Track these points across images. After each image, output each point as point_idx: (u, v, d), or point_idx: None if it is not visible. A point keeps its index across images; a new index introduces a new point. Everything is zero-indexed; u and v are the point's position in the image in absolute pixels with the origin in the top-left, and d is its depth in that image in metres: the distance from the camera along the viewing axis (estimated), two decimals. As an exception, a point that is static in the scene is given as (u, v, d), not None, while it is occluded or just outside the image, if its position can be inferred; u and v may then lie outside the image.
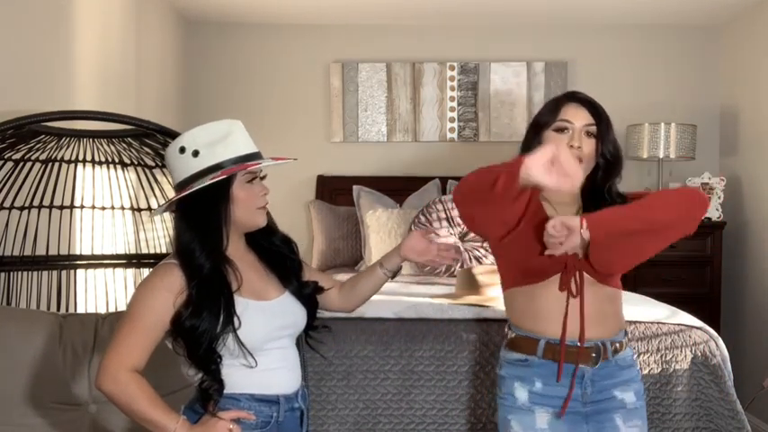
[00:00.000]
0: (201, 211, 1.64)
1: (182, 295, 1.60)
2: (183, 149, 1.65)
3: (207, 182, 1.60)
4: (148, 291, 1.62)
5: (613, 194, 1.91)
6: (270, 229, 1.79)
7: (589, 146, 1.86)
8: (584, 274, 1.81)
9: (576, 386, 1.81)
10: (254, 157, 1.69)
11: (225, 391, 1.62)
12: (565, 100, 1.92)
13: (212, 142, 1.65)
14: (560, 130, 1.87)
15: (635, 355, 1.97)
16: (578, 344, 1.79)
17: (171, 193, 2.76)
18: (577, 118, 1.87)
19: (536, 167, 1.57)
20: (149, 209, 2.80)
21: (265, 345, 1.66)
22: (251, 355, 1.61)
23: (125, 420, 2.20)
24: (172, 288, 1.60)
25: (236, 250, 1.72)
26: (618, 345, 1.86)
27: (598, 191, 1.90)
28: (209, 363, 1.60)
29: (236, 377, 1.63)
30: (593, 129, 1.87)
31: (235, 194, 1.65)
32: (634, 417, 1.86)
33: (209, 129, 1.68)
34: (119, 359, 1.56)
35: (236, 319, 1.60)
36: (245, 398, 1.64)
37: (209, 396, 1.60)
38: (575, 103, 1.90)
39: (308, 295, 1.82)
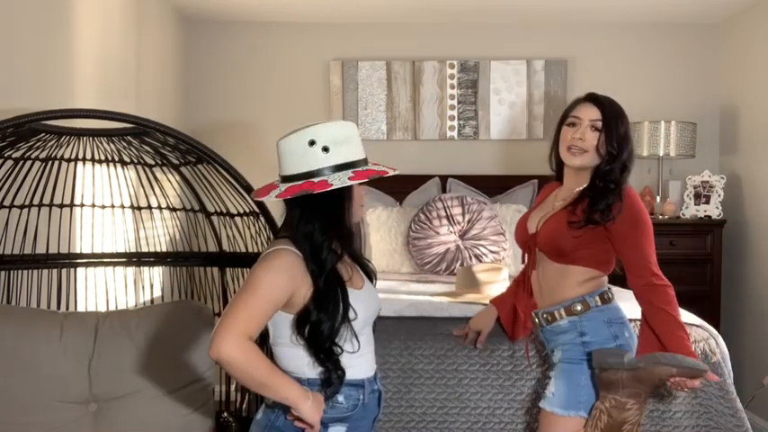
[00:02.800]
0: (331, 206, 1.71)
1: (301, 286, 1.68)
2: (312, 142, 1.68)
3: (345, 180, 1.66)
4: (272, 270, 1.67)
5: (604, 180, 2.13)
6: None
7: (593, 138, 2.13)
8: (538, 252, 2.21)
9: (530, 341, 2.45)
10: (367, 161, 1.77)
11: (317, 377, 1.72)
12: (581, 99, 2.19)
13: (338, 142, 1.69)
14: (571, 125, 2.16)
15: (578, 324, 2.15)
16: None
17: (170, 192, 2.78)
18: (585, 114, 2.14)
19: None
20: (149, 207, 2.80)
21: (360, 332, 1.75)
22: (357, 339, 1.72)
23: (125, 419, 2.21)
24: (294, 276, 1.67)
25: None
26: (549, 316, 2.18)
27: (600, 183, 2.13)
28: (331, 354, 1.69)
29: None
30: (599, 125, 2.12)
31: (353, 195, 1.74)
32: (555, 369, 2.20)
33: (334, 128, 1.72)
34: (240, 326, 1.60)
35: (351, 311, 1.70)
36: None
37: (330, 384, 1.70)
38: (588, 102, 2.17)
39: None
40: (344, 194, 1.71)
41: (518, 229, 2.33)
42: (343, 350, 1.70)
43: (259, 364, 1.61)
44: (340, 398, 1.73)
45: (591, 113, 2.13)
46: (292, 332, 1.70)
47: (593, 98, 2.16)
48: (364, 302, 1.77)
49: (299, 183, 1.68)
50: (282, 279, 1.66)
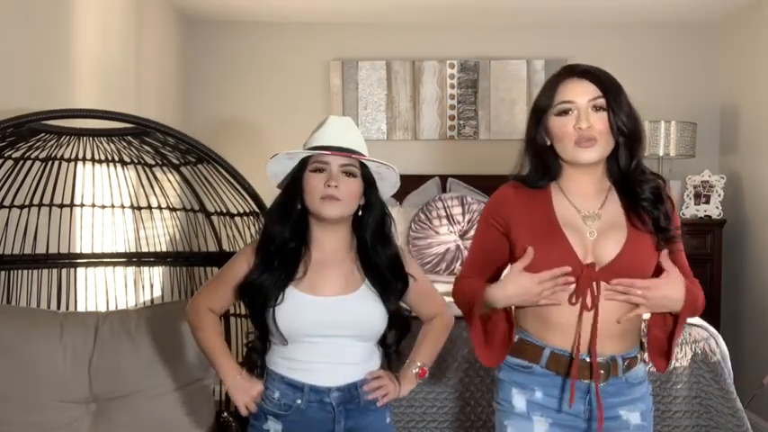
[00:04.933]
0: (284, 190, 1.84)
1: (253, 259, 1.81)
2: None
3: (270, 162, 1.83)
4: (238, 254, 1.88)
5: (640, 173, 1.70)
6: (382, 239, 1.85)
7: (601, 122, 1.65)
8: (603, 284, 1.61)
9: (579, 401, 1.64)
10: (336, 150, 1.78)
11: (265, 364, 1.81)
12: (563, 77, 1.69)
13: (313, 131, 1.84)
14: (563, 113, 1.66)
15: (647, 370, 1.78)
16: (588, 359, 1.62)
17: (170, 192, 2.78)
18: (580, 94, 1.65)
19: (501, 301, 1.65)
20: (149, 207, 2.80)
21: (304, 337, 1.74)
22: (281, 335, 1.74)
23: (125, 419, 2.21)
24: (249, 254, 1.82)
25: (321, 240, 1.81)
26: (630, 360, 1.68)
27: (627, 172, 1.69)
28: (264, 324, 1.76)
29: (275, 356, 1.79)
30: (601, 102, 1.66)
31: (303, 182, 1.78)
32: None
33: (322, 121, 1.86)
34: (203, 298, 1.86)
35: (280, 295, 1.74)
36: (277, 376, 1.78)
37: (251, 354, 1.81)
38: (575, 78, 1.67)
39: (397, 319, 1.84)
40: (293, 181, 1.80)
41: (559, 263, 1.61)
42: (270, 329, 1.74)
43: (210, 334, 1.83)
44: (276, 394, 1.76)
45: (586, 92, 1.65)
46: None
47: (581, 71, 1.68)
48: (317, 311, 1.73)
49: None
50: (240, 259, 1.82)
